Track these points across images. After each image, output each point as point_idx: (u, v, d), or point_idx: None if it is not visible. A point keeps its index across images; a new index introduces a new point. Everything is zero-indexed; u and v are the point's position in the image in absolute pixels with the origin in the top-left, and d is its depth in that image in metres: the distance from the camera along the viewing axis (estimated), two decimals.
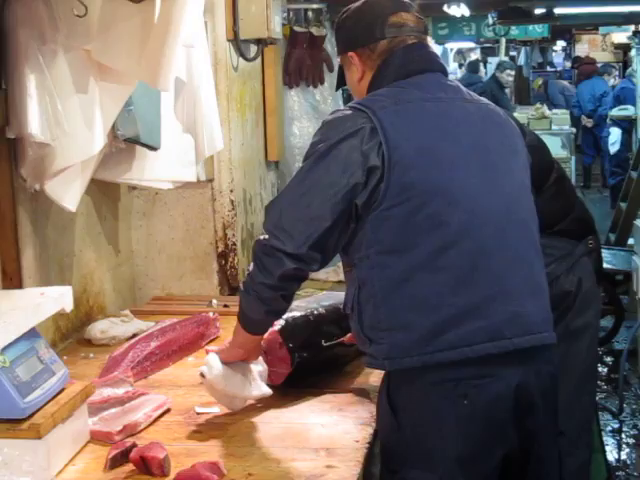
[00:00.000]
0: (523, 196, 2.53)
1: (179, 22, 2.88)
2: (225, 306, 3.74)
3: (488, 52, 21.52)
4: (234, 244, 4.10)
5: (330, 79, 5.56)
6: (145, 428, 2.54)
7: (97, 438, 2.46)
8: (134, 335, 3.33)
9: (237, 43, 4.12)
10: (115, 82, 3.11)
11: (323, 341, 2.89)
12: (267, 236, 2.41)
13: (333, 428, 2.54)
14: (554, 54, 21.88)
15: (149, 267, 4.11)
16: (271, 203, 2.49)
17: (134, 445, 2.33)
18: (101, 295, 3.71)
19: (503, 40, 16.27)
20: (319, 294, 3.34)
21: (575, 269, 3.49)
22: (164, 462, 2.24)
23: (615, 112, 13.35)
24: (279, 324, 2.79)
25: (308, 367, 2.83)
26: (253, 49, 4.45)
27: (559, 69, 22.20)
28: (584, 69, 15.80)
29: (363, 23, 2.57)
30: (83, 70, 2.99)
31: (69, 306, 2.50)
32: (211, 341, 3.32)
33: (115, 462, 2.30)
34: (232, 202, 4.10)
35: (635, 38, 12.74)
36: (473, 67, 16.72)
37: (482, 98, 2.62)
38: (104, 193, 3.79)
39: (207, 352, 2.73)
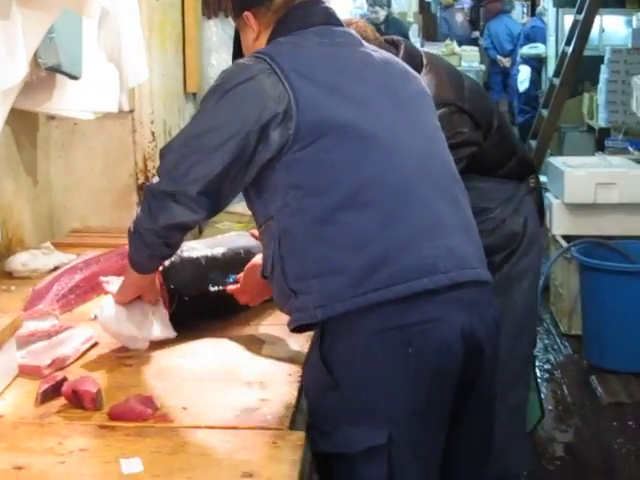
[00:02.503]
0: (439, 136, 2.50)
1: None
2: None
3: None
4: (154, 176, 4.04)
5: None
6: (73, 362, 2.52)
7: (25, 372, 2.43)
8: (55, 268, 3.28)
9: None
10: (38, 9, 3.02)
11: (210, 286, 2.81)
12: (158, 179, 2.37)
13: (264, 362, 2.54)
14: None
15: (67, 199, 4.03)
16: (165, 146, 2.42)
17: (65, 379, 2.31)
18: (20, 227, 3.64)
19: None
20: (226, 235, 3.22)
21: (520, 210, 3.51)
22: (97, 396, 2.22)
23: (526, 50, 13.47)
24: (165, 264, 2.72)
25: (189, 311, 2.75)
26: None
27: (465, 6, 22.15)
28: (492, 7, 15.70)
29: None
30: None
31: None
32: None
33: (46, 396, 2.27)
34: (153, 133, 4.03)
35: None
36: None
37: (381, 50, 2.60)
38: (23, 122, 3.69)
39: (103, 284, 2.70)
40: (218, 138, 2.29)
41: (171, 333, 2.63)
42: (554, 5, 12.13)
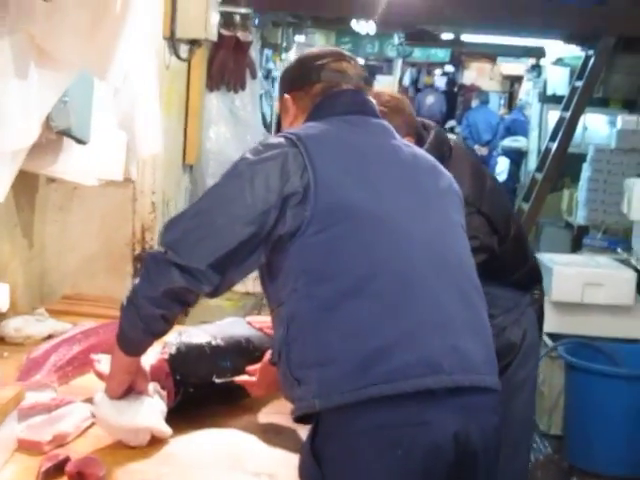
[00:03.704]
0: (459, 234, 2.43)
1: (135, 15, 2.76)
2: None
3: (375, 70, 21.56)
4: (151, 248, 3.97)
5: (252, 85, 5.48)
6: (74, 439, 2.41)
7: (25, 447, 2.31)
8: (50, 336, 3.19)
9: (173, 42, 4.00)
10: (55, 70, 2.96)
11: (214, 377, 2.68)
12: (162, 249, 2.26)
13: (270, 451, 2.45)
14: (435, 78, 22.14)
15: (60, 263, 3.94)
16: (173, 218, 2.34)
17: (68, 458, 2.20)
18: (13, 291, 3.51)
19: (399, 61, 16.41)
20: (224, 321, 3.08)
21: (521, 321, 3.42)
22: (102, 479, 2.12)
23: (507, 142, 13.58)
24: (169, 351, 2.62)
25: (193, 401, 2.63)
26: (184, 49, 4.33)
27: (440, 89, 22.37)
28: (469, 96, 15.91)
29: (303, 67, 2.57)
30: (24, 54, 2.83)
31: (5, 305, 2.36)
32: None
33: (48, 475, 2.16)
34: (153, 204, 3.97)
35: (533, 71, 12.97)
36: None
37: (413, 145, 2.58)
38: (23, 183, 3.60)
39: (94, 363, 2.58)
40: (239, 211, 2.22)
41: (166, 429, 2.45)
42: (539, 100, 12.25)
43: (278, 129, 2.57)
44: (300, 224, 2.21)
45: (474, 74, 21.64)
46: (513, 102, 18.52)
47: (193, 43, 4.33)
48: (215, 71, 5.16)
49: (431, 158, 2.54)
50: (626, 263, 6.52)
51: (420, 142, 3.09)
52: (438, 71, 22.15)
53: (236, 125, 5.33)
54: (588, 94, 9.03)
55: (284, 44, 8.41)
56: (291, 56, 8.57)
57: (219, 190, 2.30)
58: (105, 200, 3.92)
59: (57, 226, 3.92)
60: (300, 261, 2.22)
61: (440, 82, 22.16)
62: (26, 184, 3.65)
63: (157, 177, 4.01)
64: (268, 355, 2.64)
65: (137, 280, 2.30)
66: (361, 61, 11.19)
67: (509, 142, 13.69)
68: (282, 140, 2.32)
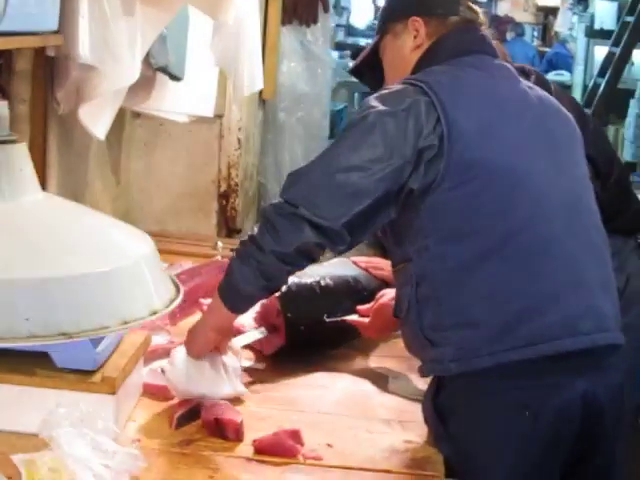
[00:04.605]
0: (587, 182, 2.36)
1: None
2: (232, 250, 3.57)
3: None
4: (237, 185, 3.95)
5: (323, 20, 5.38)
6: None
7: (150, 392, 2.30)
8: None
9: None
10: (158, 6, 2.91)
11: (325, 316, 2.65)
12: (290, 204, 2.09)
13: (394, 399, 2.43)
14: None
15: (145, 201, 3.92)
16: (299, 172, 2.16)
17: (200, 404, 2.19)
18: None
19: None
20: (330, 261, 2.97)
21: (625, 267, 3.35)
22: (240, 426, 2.10)
23: (551, 77, 13.37)
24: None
25: (302, 342, 2.60)
26: None
27: None
28: (503, 29, 15.62)
29: None
30: None
31: None
32: None
33: (182, 421, 2.15)
34: (239, 141, 3.93)
35: (579, 5, 12.79)
36: None
37: (535, 86, 2.46)
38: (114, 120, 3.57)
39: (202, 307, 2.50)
40: (374, 166, 2.10)
41: (242, 389, 2.35)
42: (585, 35, 12.07)
43: (375, 69, 2.36)
44: (434, 179, 2.11)
45: (507, 5, 21.31)
46: (547, 34, 18.29)
47: None
48: (288, 4, 5.07)
49: (553, 100, 2.45)
50: None
51: None
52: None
53: (308, 60, 5.26)
54: None
55: None
56: None
57: (349, 142, 2.15)
58: (191, 137, 3.89)
59: (142, 163, 3.90)
60: (432, 218, 2.13)
61: None
62: (115, 120, 3.60)
63: (243, 113, 3.96)
64: (383, 298, 2.62)
65: (258, 233, 2.12)
66: None
67: (552, 76, 13.45)
68: (411, 88, 2.19)
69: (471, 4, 2.40)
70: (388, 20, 2.45)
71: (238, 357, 2.38)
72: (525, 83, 2.41)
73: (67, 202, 2.31)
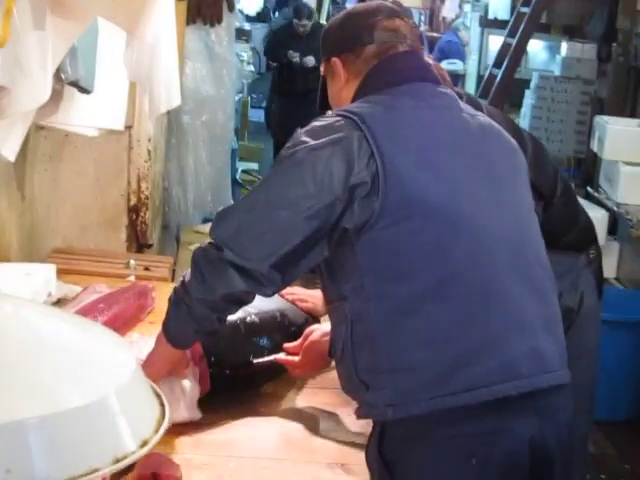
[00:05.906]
0: (531, 217, 2.27)
1: None
2: (146, 269, 3.44)
3: None
4: (147, 198, 3.80)
5: (228, 18, 5.24)
6: None
7: None
8: (59, 300, 3.01)
9: None
10: (69, 19, 2.75)
11: (251, 357, 2.52)
12: (215, 246, 2.05)
13: (328, 442, 2.33)
14: None
15: (51, 216, 3.74)
16: (225, 211, 2.11)
17: None
18: (9, 247, 3.33)
19: None
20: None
21: (577, 284, 3.30)
22: None
23: (445, 65, 13.43)
24: None
25: (229, 386, 2.48)
26: None
27: None
28: None
29: (351, 27, 2.31)
30: (41, 2, 2.62)
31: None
32: (148, 313, 3.02)
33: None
34: (149, 152, 3.78)
35: None
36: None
37: (477, 111, 2.37)
38: None
39: None
40: (302, 204, 2.02)
41: (197, 414, 2.31)
42: (479, 25, 12.14)
43: (322, 95, 2.29)
44: (369, 217, 2.01)
45: None
46: (435, 20, 18.37)
47: None
48: (191, 3, 4.93)
49: (497, 127, 2.37)
50: (596, 202, 6.42)
51: None
52: None
53: (212, 61, 5.13)
54: (535, 21, 9.00)
55: None
56: None
57: (277, 180, 2.08)
58: (99, 148, 3.73)
59: (47, 176, 3.71)
60: (368, 257, 2.04)
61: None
62: None
63: (152, 122, 3.81)
64: (312, 335, 2.53)
65: (188, 277, 2.09)
66: None
67: (445, 65, 13.50)
68: (342, 121, 2.09)
69: (386, 23, 2.29)
70: (321, 61, 2.41)
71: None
72: (467, 111, 2.30)
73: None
